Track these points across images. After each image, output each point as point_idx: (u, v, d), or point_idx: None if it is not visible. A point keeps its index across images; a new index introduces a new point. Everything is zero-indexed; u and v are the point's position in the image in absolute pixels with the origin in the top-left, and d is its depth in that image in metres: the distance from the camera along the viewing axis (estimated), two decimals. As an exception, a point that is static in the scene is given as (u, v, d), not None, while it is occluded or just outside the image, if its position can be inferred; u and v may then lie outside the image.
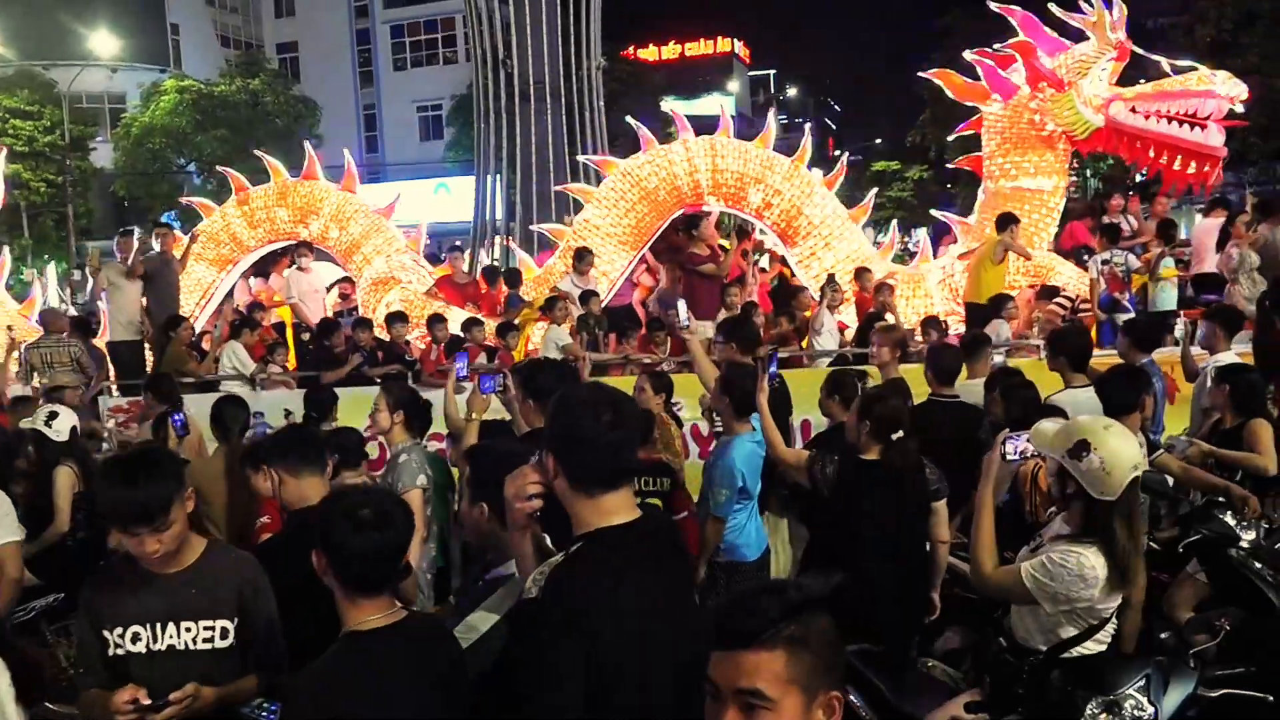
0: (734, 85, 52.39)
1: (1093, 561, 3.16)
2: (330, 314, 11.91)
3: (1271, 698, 3.72)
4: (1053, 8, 10.80)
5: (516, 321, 10.58)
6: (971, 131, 11.69)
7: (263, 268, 13.05)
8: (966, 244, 11.30)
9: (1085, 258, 11.14)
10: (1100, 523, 3.18)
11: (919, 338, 9.36)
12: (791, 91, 62.11)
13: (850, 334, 10.50)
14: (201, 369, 10.30)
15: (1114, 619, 3.40)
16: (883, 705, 3.78)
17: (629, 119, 12.36)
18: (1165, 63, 10.64)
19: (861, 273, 10.92)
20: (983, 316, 9.64)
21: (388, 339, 10.44)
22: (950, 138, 12.31)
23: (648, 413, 5.44)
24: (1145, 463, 4.38)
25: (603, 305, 10.73)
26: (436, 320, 10.38)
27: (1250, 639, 4.13)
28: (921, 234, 13.79)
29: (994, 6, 11.02)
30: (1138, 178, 30.79)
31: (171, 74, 37.46)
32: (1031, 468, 4.75)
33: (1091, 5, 10.52)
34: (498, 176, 22.20)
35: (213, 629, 2.99)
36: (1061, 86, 10.57)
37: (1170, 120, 10.21)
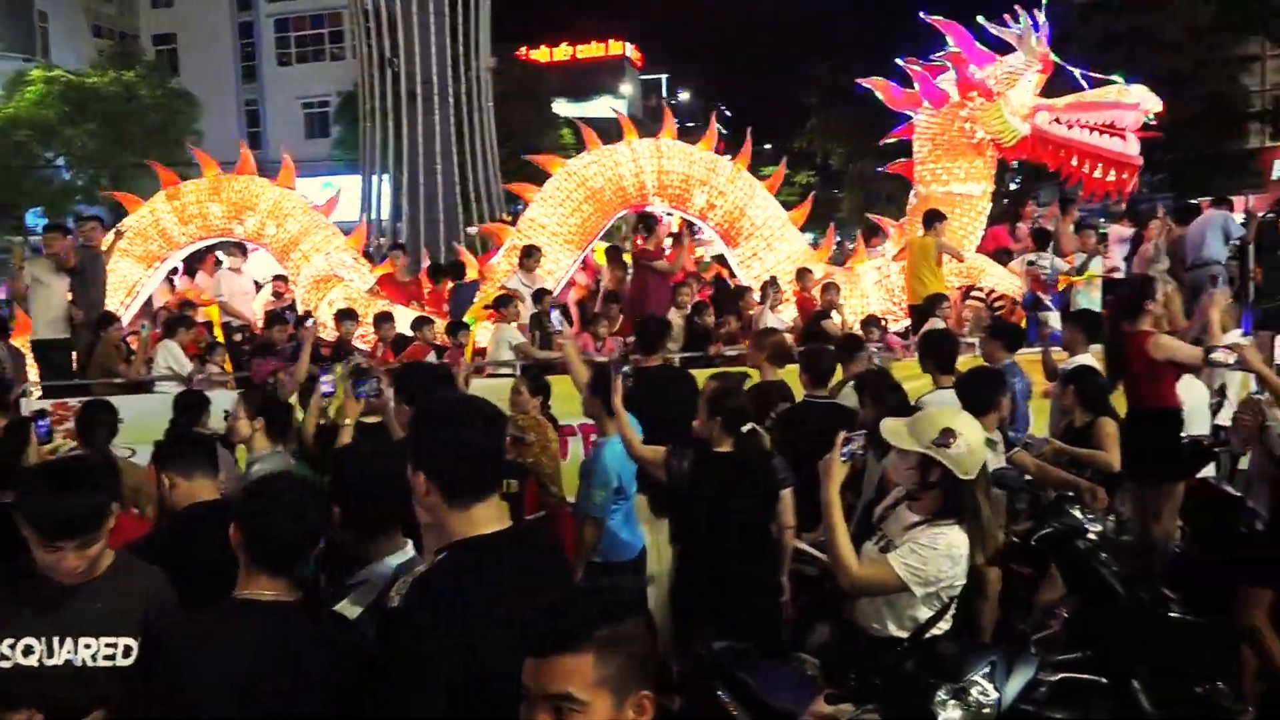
0: (626, 88, 52.64)
1: (958, 540, 3.38)
2: (262, 314, 11.66)
3: (1105, 680, 4.00)
4: (982, 21, 11.28)
5: (466, 319, 10.55)
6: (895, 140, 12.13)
7: (189, 265, 12.66)
8: (899, 245, 11.72)
9: (1009, 262, 11.71)
10: (965, 501, 3.40)
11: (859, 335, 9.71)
12: (684, 96, 62.72)
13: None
14: (132, 370, 9.97)
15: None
16: (753, 701, 3.84)
17: (575, 118, 12.37)
18: (1079, 74, 11.24)
19: (803, 273, 11.21)
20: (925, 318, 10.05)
21: (332, 338, 10.28)
22: (882, 142, 12.68)
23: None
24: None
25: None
26: (384, 319, 10.31)
27: (1088, 626, 4.46)
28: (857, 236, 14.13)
29: (926, 19, 11.46)
30: (1011, 186, 32.24)
31: (38, 63, 35.58)
32: None
33: (1018, 21, 11.05)
34: (384, 176, 21.91)
35: (115, 646, 2.81)
36: (991, 96, 11.05)
37: (1091, 130, 10.77)
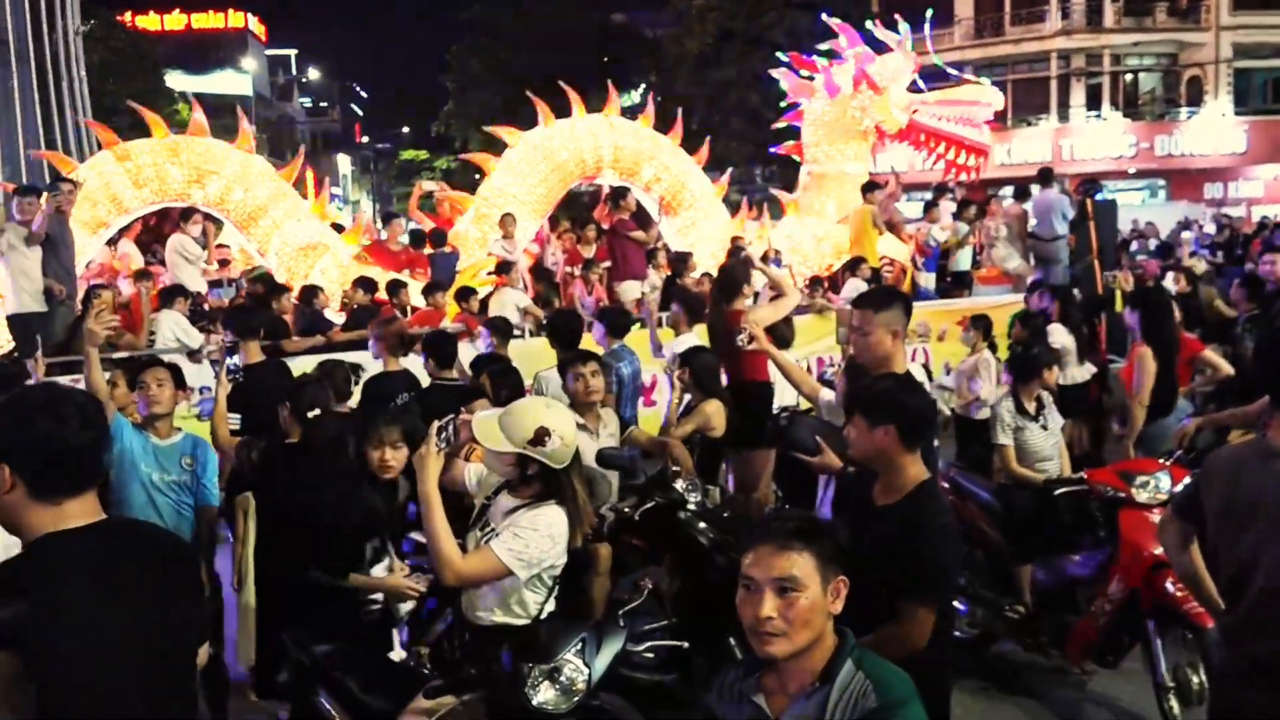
0: (250, 63, 49.41)
1: (558, 519, 3.41)
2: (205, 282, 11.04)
3: (686, 644, 4.23)
4: (871, 26, 13.39)
5: (470, 285, 10.81)
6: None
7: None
8: (798, 216, 13.56)
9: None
10: (563, 486, 3.45)
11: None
12: (314, 75, 59.97)
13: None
14: (140, 340, 9.28)
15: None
16: (355, 704, 3.79)
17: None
18: (954, 73, 13.70)
19: (735, 239, 12.66)
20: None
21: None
22: (775, 126, 14.38)
23: None
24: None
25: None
26: (399, 286, 10.32)
27: (680, 594, 4.86)
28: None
29: (827, 20, 13.37)
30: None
31: None
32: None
33: (899, 31, 13.27)
34: None
35: None
36: (878, 90, 13.17)
37: (954, 121, 13.27)
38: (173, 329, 9.35)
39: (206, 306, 10.47)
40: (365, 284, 10.14)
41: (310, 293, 9.99)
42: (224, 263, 11.27)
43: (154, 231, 12.12)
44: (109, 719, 2.07)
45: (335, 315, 10.19)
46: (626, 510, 5.00)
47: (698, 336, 6.97)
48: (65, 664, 2.00)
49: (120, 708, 2.09)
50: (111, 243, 11.28)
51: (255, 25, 51.17)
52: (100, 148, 10.91)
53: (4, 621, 1.95)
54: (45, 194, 9.28)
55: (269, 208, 11.00)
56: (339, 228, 12.10)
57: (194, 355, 9.04)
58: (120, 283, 10.59)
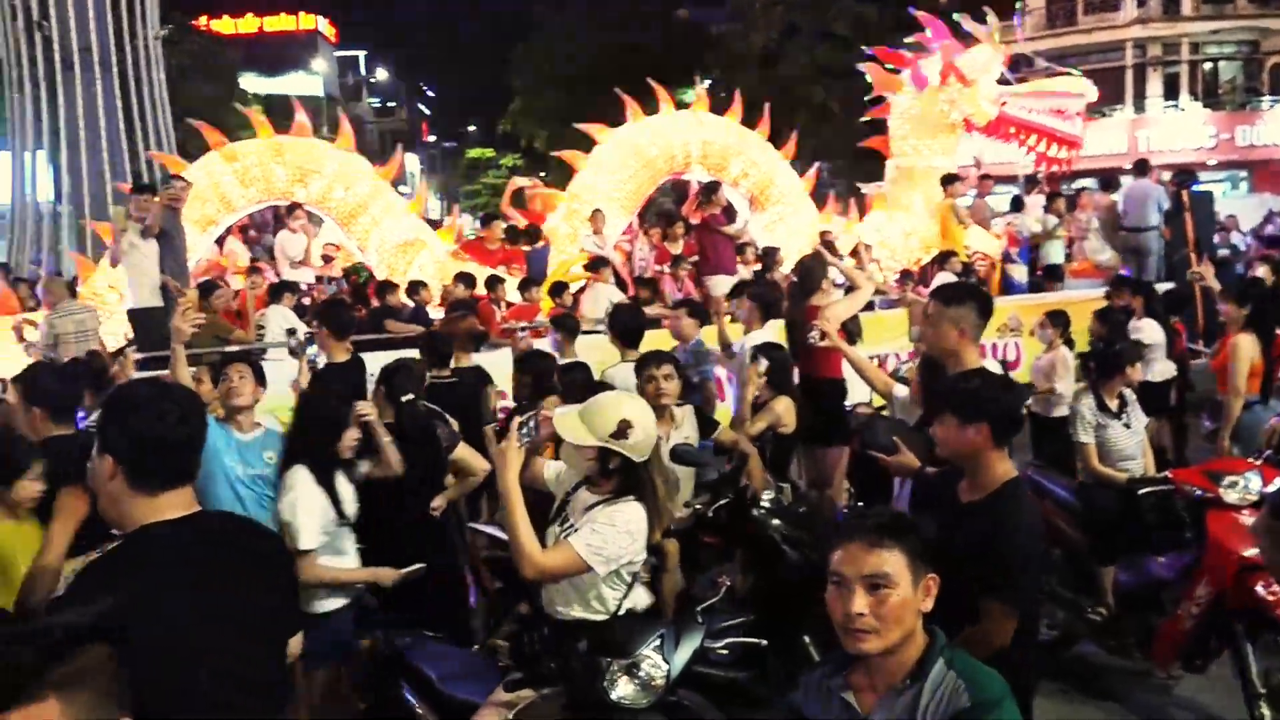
0: (320, 65, 50.30)
1: (636, 515, 3.37)
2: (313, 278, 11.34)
3: (765, 642, 4.18)
4: (958, 19, 13.31)
5: (563, 280, 10.95)
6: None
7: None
8: (885, 211, 13.52)
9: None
10: (642, 481, 3.42)
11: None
12: (383, 75, 61.02)
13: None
14: (249, 334, 9.58)
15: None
16: (436, 696, 3.81)
17: (617, 90, 12.82)
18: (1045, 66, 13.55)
19: (824, 233, 12.68)
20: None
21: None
22: (862, 119, 14.36)
23: None
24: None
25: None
26: (497, 281, 10.51)
27: (761, 589, 4.85)
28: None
29: (913, 13, 13.31)
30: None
31: None
32: None
33: (986, 23, 13.17)
34: (38, 152, 20.14)
35: None
36: (967, 82, 13.07)
37: (1044, 113, 13.13)
38: (281, 323, 9.64)
39: (307, 302, 10.74)
40: (465, 279, 10.34)
41: (415, 287, 10.24)
42: (327, 259, 11.55)
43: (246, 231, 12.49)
44: (202, 709, 2.12)
45: (434, 310, 10.41)
46: (699, 507, 5.00)
47: (770, 332, 6.85)
48: (158, 654, 2.02)
49: (213, 698, 2.15)
50: (219, 241, 11.63)
51: (325, 27, 52.07)
52: (179, 151, 11.20)
53: (101, 613, 1.91)
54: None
55: (368, 205, 11.30)
56: (434, 224, 12.38)
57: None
58: (229, 279, 10.95)
